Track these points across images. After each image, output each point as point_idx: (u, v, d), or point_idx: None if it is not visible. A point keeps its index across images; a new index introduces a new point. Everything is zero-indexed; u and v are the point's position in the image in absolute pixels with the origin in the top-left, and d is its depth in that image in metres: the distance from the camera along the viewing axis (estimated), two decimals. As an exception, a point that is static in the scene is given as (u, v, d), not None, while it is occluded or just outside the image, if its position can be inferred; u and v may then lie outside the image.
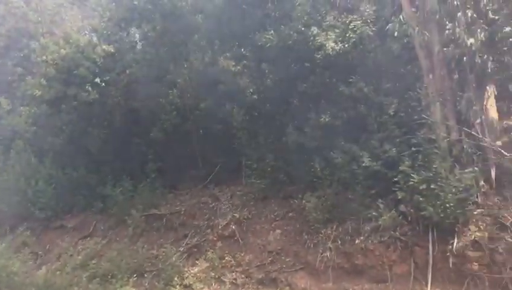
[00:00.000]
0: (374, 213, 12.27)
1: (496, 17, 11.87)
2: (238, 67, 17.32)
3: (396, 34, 12.25)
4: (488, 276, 10.30)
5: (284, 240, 13.89)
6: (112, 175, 17.82)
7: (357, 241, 12.39)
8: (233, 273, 13.88)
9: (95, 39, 19.42)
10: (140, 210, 16.54)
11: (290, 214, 14.43)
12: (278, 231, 14.23)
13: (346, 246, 12.53)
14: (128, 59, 18.37)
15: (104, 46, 18.29)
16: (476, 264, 10.56)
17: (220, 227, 15.26)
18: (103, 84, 18.08)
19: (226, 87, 16.66)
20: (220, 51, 17.47)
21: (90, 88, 17.70)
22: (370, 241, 12.22)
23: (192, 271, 14.27)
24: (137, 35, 19.94)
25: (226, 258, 14.35)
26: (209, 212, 16.19)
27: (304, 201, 13.83)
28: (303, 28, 13.59)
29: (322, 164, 13.55)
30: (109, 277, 14.60)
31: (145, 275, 14.69)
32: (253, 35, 14.83)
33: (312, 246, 13.12)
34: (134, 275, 14.50)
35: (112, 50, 18.35)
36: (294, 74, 14.60)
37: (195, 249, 15.17)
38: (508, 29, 11.66)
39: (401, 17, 12.23)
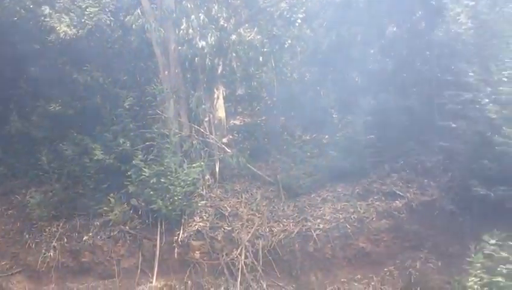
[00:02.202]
0: (104, 208, 11.93)
1: (225, 25, 12.96)
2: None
3: (134, 27, 12.16)
4: (208, 263, 11.09)
5: (1, 241, 12.29)
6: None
7: (85, 238, 11.85)
8: None
9: None
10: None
11: (10, 211, 12.87)
12: (-6, 231, 12.52)
13: (73, 243, 11.87)
14: None
15: None
16: (198, 252, 11.24)
17: None
18: None
19: None
20: None
21: None
22: (99, 237, 11.85)
23: None
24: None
25: None
26: None
27: (27, 197, 12.51)
28: (31, 6, 12.25)
29: (50, 156, 12.51)
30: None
31: None
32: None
33: (34, 246, 11.98)
34: None
35: None
36: (22, 56, 13.06)
37: None
38: (234, 37, 12.86)
39: (139, 10, 12.19)
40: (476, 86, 9.72)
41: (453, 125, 10.47)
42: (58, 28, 12.01)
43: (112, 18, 13.07)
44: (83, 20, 12.43)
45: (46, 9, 12.19)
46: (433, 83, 12.27)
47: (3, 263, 11.89)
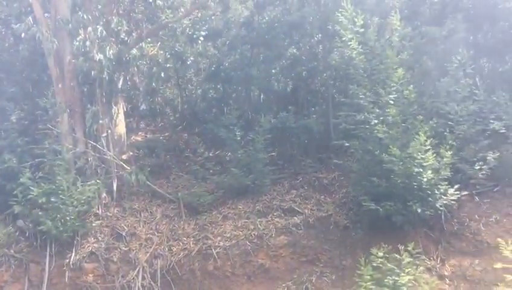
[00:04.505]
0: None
1: (126, 38, 12.60)
2: None
3: (23, 35, 11.39)
4: (102, 286, 10.52)
5: None
6: None
7: (-37, 264, 10.68)
8: None
9: None
10: None
11: None
12: None
13: None
14: None
15: None
16: (91, 275, 10.61)
17: None
18: None
19: None
20: None
21: None
22: (-20, 262, 10.73)
23: None
24: None
25: None
26: None
27: None
28: None
29: None
30: None
31: None
32: None
33: None
34: None
35: None
36: None
37: None
38: (135, 51, 12.54)
39: (30, 18, 11.46)
40: (366, 108, 10.31)
41: (347, 144, 11.01)
42: None
43: (1, 25, 12.13)
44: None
45: None
46: (330, 103, 12.89)
47: None
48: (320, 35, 13.51)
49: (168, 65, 14.68)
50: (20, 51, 12.47)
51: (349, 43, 10.42)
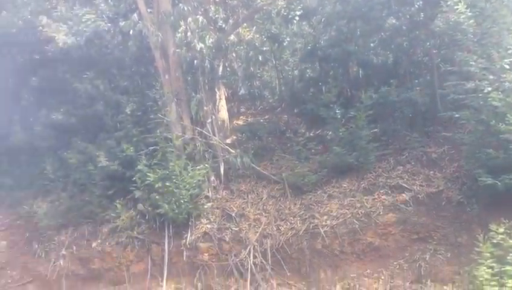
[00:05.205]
0: (112, 214, 11.97)
1: (224, 26, 12.95)
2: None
3: (131, 32, 12.16)
4: (217, 264, 11.07)
5: (10, 251, 12.36)
6: None
7: (93, 245, 11.88)
8: None
9: None
10: None
11: (18, 222, 12.93)
12: (3, 242, 12.59)
13: (82, 251, 11.89)
14: None
15: None
16: (206, 254, 11.22)
17: None
18: None
19: None
20: None
21: None
22: (107, 243, 11.86)
23: None
24: None
25: None
26: None
27: (34, 207, 12.58)
28: (29, 16, 12.30)
29: (55, 165, 12.57)
30: None
31: None
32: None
33: (43, 255, 12.03)
34: None
35: None
36: (22, 66, 13.14)
37: None
38: (232, 37, 12.85)
39: (135, 15, 12.19)
40: (478, 75, 9.63)
41: (456, 115, 10.40)
42: (56, 37, 12.04)
43: (109, 24, 13.06)
44: (80, 28, 12.45)
45: (44, 19, 12.24)
46: (435, 73, 12.21)
47: (13, 274, 11.94)
48: (421, 2, 12.76)
49: (264, 48, 14.85)
50: (129, 47, 13.28)
51: (455, 7, 9.75)
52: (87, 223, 12.32)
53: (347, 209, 11.02)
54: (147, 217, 11.93)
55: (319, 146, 12.83)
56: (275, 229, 11.27)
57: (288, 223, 11.30)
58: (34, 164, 12.92)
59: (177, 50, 12.32)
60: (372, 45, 13.64)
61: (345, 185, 11.64)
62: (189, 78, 13.05)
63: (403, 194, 10.85)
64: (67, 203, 12.49)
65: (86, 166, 12.25)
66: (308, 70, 15.08)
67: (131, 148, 12.16)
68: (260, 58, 14.13)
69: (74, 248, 11.99)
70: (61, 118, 12.62)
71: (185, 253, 11.36)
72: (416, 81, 13.09)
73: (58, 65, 13.05)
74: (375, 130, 12.10)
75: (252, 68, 14.99)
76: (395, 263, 10.04)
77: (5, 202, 13.45)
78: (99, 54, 13.38)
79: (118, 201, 11.94)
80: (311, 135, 13.56)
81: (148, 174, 11.46)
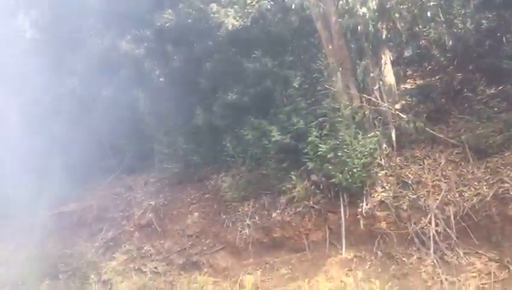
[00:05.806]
0: (287, 186, 12.47)
1: (386, -14, 12.33)
2: (141, 50, 16.72)
3: (293, 6, 12.35)
4: (395, 232, 10.86)
5: (203, 222, 13.77)
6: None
7: (273, 215, 12.55)
8: (154, 262, 13.58)
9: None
10: (47, 209, 15.58)
11: (207, 195, 14.31)
12: (196, 214, 14.07)
13: (264, 220, 12.65)
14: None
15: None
16: (384, 223, 11.07)
17: (136, 217, 14.85)
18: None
19: (129, 71, 16.02)
20: (118, 34, 16.70)
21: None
22: (286, 213, 12.42)
23: (110, 266, 13.77)
24: (26, 23, 18.55)
25: (145, 247, 14.01)
26: (123, 203, 15.67)
27: (219, 181, 13.80)
28: (201, 6, 13.30)
29: (234, 142, 13.49)
30: (19, 283, 13.66)
31: (60, 277, 13.93)
32: (151, 15, 14.27)
33: (231, 224, 13.12)
34: (47, 279, 13.69)
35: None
36: (199, 53, 14.35)
37: (112, 243, 14.66)
38: (397, -4, 12.19)
39: (296, -11, 12.33)
40: None
41: None
42: (226, 21, 12.83)
43: (271, 2, 13.44)
44: (245, 10, 13.05)
45: (214, 6, 13.11)
46: None
47: (207, 241, 13.31)
48: None
49: (430, 3, 13.76)
50: (291, 22, 13.53)
51: None
52: (266, 195, 13.04)
53: (545, 171, 9.83)
54: (321, 187, 12.17)
55: (503, 103, 11.57)
56: (457, 195, 10.59)
57: (473, 189, 10.52)
58: (215, 142, 14.09)
59: (339, 19, 12.15)
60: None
61: (538, 144, 10.38)
62: (352, 45, 12.83)
63: None
64: (247, 176, 13.39)
65: (260, 141, 12.90)
66: (483, 21, 13.60)
67: (301, 121, 12.45)
68: (429, 14, 13.13)
69: (256, 217, 12.83)
70: (235, 97, 13.48)
71: (361, 221, 11.34)
72: None
73: (228, 48, 13.94)
74: None
75: (417, 27, 14.05)
76: None
77: (194, 177, 14.98)
78: (264, 33, 13.89)
79: (292, 173, 12.37)
80: (493, 91, 12.27)
81: (320, 145, 11.65)
